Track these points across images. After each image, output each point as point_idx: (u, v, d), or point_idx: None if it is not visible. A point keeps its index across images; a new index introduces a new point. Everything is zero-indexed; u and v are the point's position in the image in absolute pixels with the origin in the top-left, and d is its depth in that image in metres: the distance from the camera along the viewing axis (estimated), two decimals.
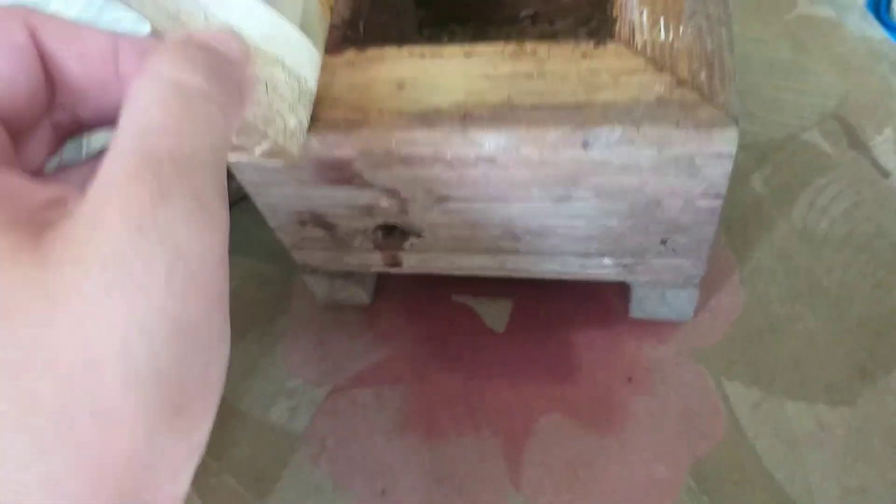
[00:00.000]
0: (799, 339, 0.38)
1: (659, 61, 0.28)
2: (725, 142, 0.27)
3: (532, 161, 0.29)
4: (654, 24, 0.29)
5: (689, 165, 0.28)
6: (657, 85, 0.27)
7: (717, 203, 0.30)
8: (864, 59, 0.49)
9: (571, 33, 0.43)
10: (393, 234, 0.36)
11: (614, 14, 0.30)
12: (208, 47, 0.23)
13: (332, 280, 0.41)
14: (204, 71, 0.22)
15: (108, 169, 0.19)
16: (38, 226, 0.18)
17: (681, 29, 0.29)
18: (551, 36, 0.43)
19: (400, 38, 0.33)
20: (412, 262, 0.37)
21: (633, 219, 0.31)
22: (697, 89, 0.27)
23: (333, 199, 0.33)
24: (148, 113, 0.20)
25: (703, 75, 0.27)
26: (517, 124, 0.28)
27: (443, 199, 0.32)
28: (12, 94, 0.22)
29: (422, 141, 0.29)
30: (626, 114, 0.27)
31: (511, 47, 0.30)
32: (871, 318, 0.38)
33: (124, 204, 0.18)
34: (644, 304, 0.38)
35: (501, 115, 0.28)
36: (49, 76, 0.23)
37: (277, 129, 0.27)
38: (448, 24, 0.45)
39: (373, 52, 0.31)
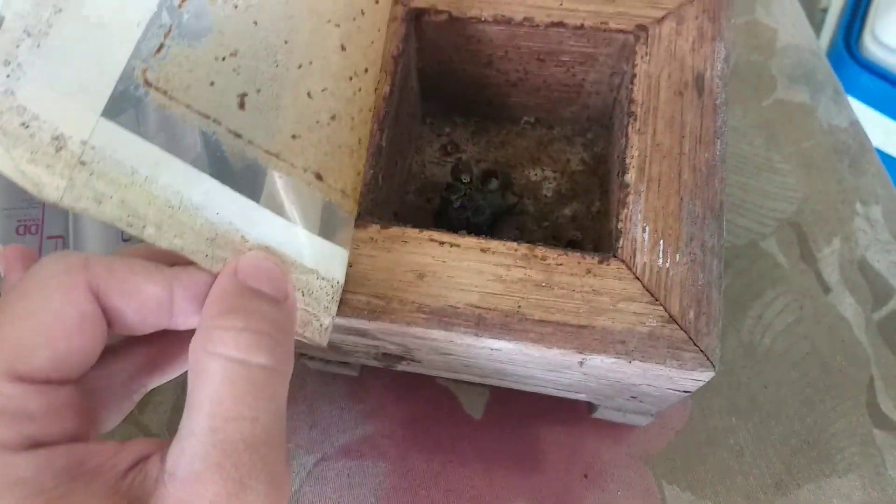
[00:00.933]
0: (730, 451, 0.44)
1: (655, 291, 0.31)
2: (703, 377, 0.31)
3: (533, 357, 0.33)
4: (655, 245, 0.32)
5: (667, 380, 0.32)
6: (650, 318, 0.31)
7: (687, 394, 0.35)
8: (826, 156, 0.53)
9: (567, 140, 0.45)
10: (392, 355, 0.40)
11: (619, 227, 0.33)
12: (257, 293, 0.26)
13: (326, 362, 0.45)
14: (265, 346, 0.25)
15: (189, 458, 0.22)
16: (127, 499, 0.22)
17: (677, 256, 0.32)
18: (548, 142, 0.45)
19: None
20: (407, 367, 0.41)
21: (611, 388, 0.36)
22: (685, 329, 0.31)
23: (343, 339, 0.37)
24: (219, 396, 0.23)
25: (691, 314, 0.31)
26: (524, 336, 0.31)
27: (446, 354, 0.36)
28: (84, 360, 0.25)
29: (437, 335, 0.32)
30: (621, 344, 0.31)
31: (523, 250, 0.33)
32: (791, 434, 0.45)
33: (209, 498, 0.21)
34: (605, 412, 0.44)
35: (511, 325, 0.31)
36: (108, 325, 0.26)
37: (313, 329, 0.30)
38: (451, 115, 0.46)
39: (394, 231, 0.33)
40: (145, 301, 0.25)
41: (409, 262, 0.33)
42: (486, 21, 0.38)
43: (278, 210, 0.29)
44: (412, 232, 0.33)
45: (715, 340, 0.31)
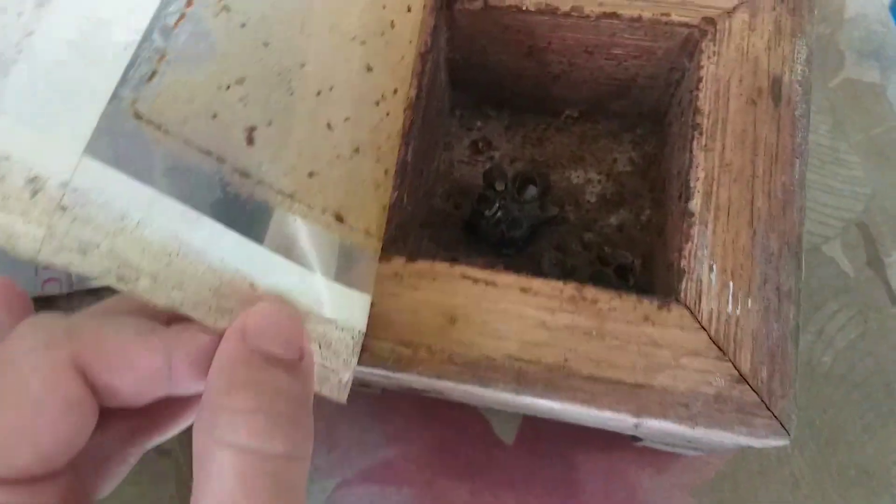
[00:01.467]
0: (784, 483, 0.41)
1: (723, 344, 0.27)
2: (775, 443, 0.27)
3: (580, 413, 0.29)
4: (723, 287, 0.28)
5: (732, 440, 0.29)
6: (717, 377, 0.27)
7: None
8: None
9: (614, 137, 0.40)
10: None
11: (682, 265, 0.29)
12: (269, 359, 0.22)
13: None
14: (282, 429, 0.21)
15: None
16: None
17: (749, 302, 0.28)
18: (593, 138, 0.40)
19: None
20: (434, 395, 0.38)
21: (668, 437, 0.32)
22: (757, 390, 0.27)
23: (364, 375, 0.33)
24: (231, 493, 0.20)
25: (764, 372, 0.27)
26: (572, 395, 0.28)
27: (481, 397, 0.32)
28: (72, 448, 0.21)
29: (471, 389, 0.28)
30: (684, 407, 0.27)
31: (570, 290, 0.28)
32: (850, 464, 0.41)
33: None
34: (651, 443, 0.40)
35: (556, 382, 0.28)
36: (99, 402, 0.22)
37: (331, 386, 0.27)
38: (482, 108, 0.41)
39: (422, 265, 0.29)
40: (140, 374, 0.22)
41: (438, 302, 0.29)
42: (527, 11, 0.33)
43: (292, 256, 0.25)
44: (442, 267, 0.29)
45: (790, 404, 0.27)
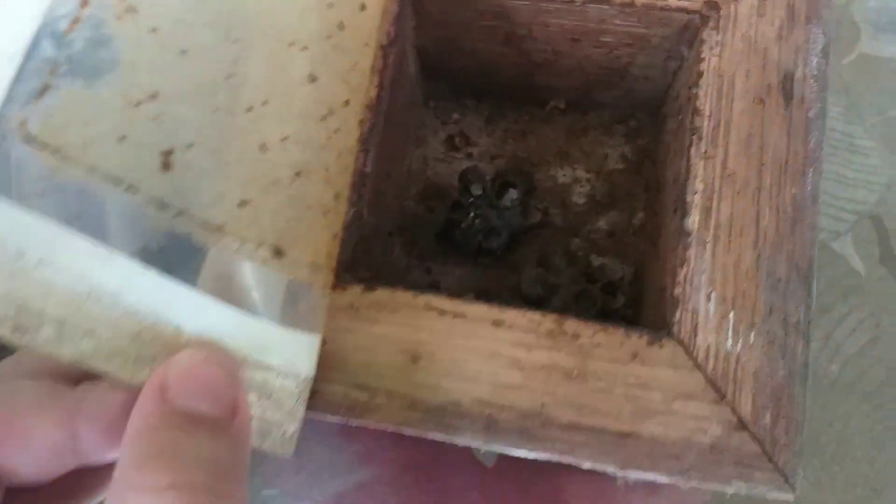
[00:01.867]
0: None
1: (721, 385, 0.24)
2: (778, 497, 0.24)
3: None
4: (723, 318, 0.25)
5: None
6: (714, 423, 0.24)
7: None
8: None
9: (605, 129, 0.36)
10: None
11: (676, 293, 0.25)
12: (192, 419, 0.19)
13: None
14: (203, 469, 0.18)
15: None
16: None
17: (752, 336, 0.24)
18: (581, 131, 0.36)
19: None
20: None
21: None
22: (758, 439, 0.24)
23: None
24: None
25: (767, 418, 0.24)
26: (548, 446, 0.24)
27: None
28: None
29: (435, 437, 0.25)
30: (675, 459, 0.24)
31: (548, 323, 0.25)
32: (857, 482, 0.38)
33: None
34: None
35: (531, 431, 0.24)
36: None
37: (274, 439, 0.24)
38: (460, 98, 0.37)
39: (381, 295, 0.26)
40: (39, 451, 0.19)
41: (399, 338, 0.25)
42: None
43: (225, 296, 0.21)
44: (404, 296, 0.26)
45: (796, 455, 0.24)
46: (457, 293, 0.35)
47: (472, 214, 0.33)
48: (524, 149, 0.37)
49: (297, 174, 0.21)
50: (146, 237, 0.20)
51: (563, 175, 0.36)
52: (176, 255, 0.21)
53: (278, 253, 0.22)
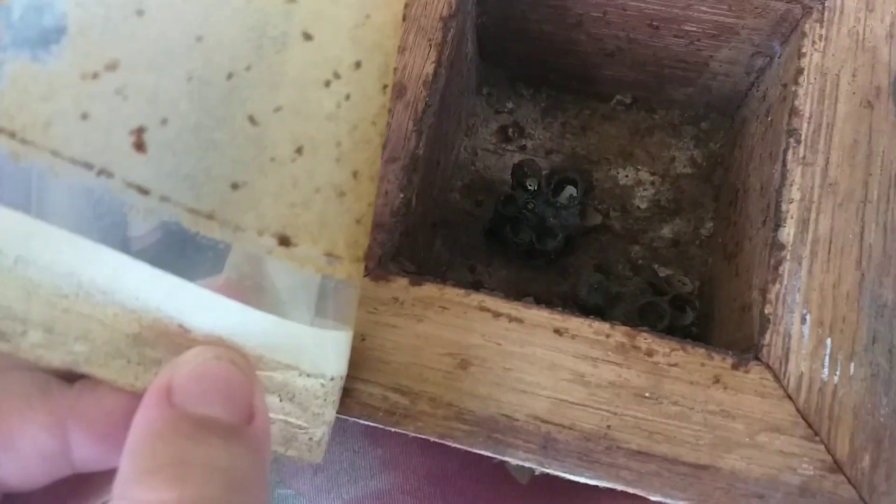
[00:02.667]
0: None
1: (814, 420, 0.21)
2: None
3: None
4: (819, 345, 0.22)
5: None
6: (805, 462, 0.21)
7: None
8: None
9: (674, 129, 0.34)
10: None
11: (766, 312, 0.22)
12: (203, 424, 0.17)
13: None
14: (216, 481, 0.16)
15: None
16: None
17: (851, 366, 0.22)
18: (647, 130, 0.34)
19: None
20: None
21: None
22: (855, 484, 0.21)
23: None
24: None
25: (866, 460, 0.21)
26: (613, 474, 0.22)
27: None
28: None
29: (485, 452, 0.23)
30: (757, 499, 0.21)
31: (618, 335, 0.22)
32: None
33: None
34: None
35: (594, 455, 0.22)
36: None
37: (300, 445, 0.21)
38: (516, 85, 0.35)
39: (429, 290, 0.23)
40: (24, 456, 0.16)
41: (448, 339, 0.23)
42: None
43: (239, 294, 0.19)
44: (455, 293, 0.23)
45: None
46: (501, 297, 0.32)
47: (525, 211, 0.30)
48: (583, 145, 0.34)
49: (299, 150, 0.18)
50: (130, 228, 0.18)
51: (624, 176, 0.33)
52: (168, 248, 0.18)
53: (285, 241, 0.19)
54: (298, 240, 0.18)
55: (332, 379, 0.21)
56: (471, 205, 0.34)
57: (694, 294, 0.30)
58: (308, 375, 0.20)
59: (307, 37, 0.17)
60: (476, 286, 0.32)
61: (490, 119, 0.35)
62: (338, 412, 0.22)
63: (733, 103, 0.32)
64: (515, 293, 0.32)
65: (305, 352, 0.20)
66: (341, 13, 0.17)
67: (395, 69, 0.26)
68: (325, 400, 0.21)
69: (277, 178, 0.18)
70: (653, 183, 0.33)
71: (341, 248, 0.19)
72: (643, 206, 0.33)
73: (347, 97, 0.18)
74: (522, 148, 0.34)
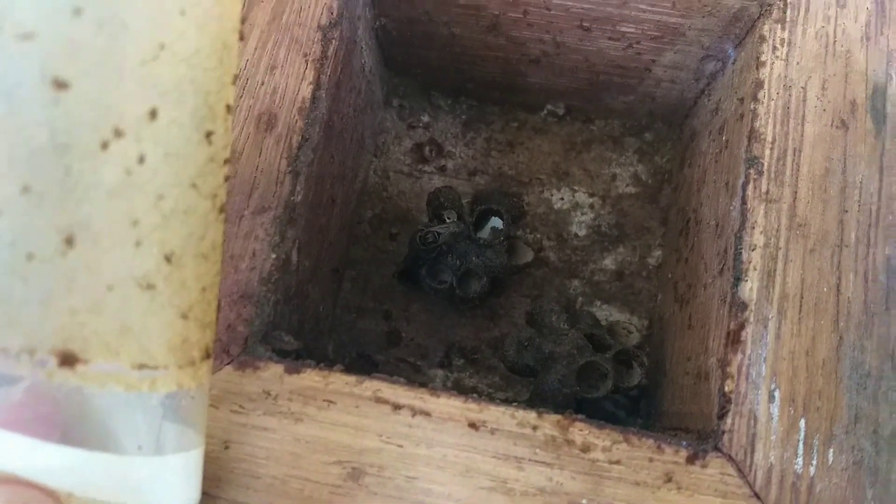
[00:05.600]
0: None
1: None
2: None
3: None
4: (791, 427, 0.18)
5: None
6: None
7: None
8: None
9: (614, 143, 0.30)
10: None
11: (727, 389, 0.18)
12: None
13: None
14: None
15: None
16: None
17: (830, 453, 0.18)
18: (584, 144, 0.30)
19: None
20: None
21: None
22: None
23: None
24: None
25: None
26: None
27: None
28: None
29: None
30: None
31: (548, 427, 0.18)
32: None
33: None
34: None
35: None
36: None
37: None
38: (430, 95, 0.30)
39: (310, 378, 0.19)
40: None
41: (335, 443, 0.18)
42: None
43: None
44: (342, 381, 0.19)
45: None
46: (422, 347, 0.28)
47: (443, 248, 0.25)
48: (511, 164, 0.30)
49: (69, 241, 0.13)
50: None
51: (560, 199, 0.29)
52: None
53: (68, 359, 0.14)
54: (89, 354, 0.14)
55: None
56: (383, 239, 0.29)
57: (641, 345, 0.26)
58: None
59: (60, 86, 0.12)
60: (393, 336, 0.28)
61: (403, 136, 0.30)
62: None
63: (680, 112, 0.28)
64: (438, 341, 0.28)
65: (133, 484, 0.16)
66: (113, 47, 0.12)
67: (265, 93, 0.21)
68: None
69: (42, 280, 0.13)
70: (592, 206, 0.29)
71: (160, 354, 0.15)
72: (581, 233, 0.29)
73: (141, 159, 0.13)
74: (442, 169, 0.30)
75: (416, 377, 0.27)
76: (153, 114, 0.13)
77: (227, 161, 0.15)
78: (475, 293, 0.26)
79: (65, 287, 0.13)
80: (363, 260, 0.29)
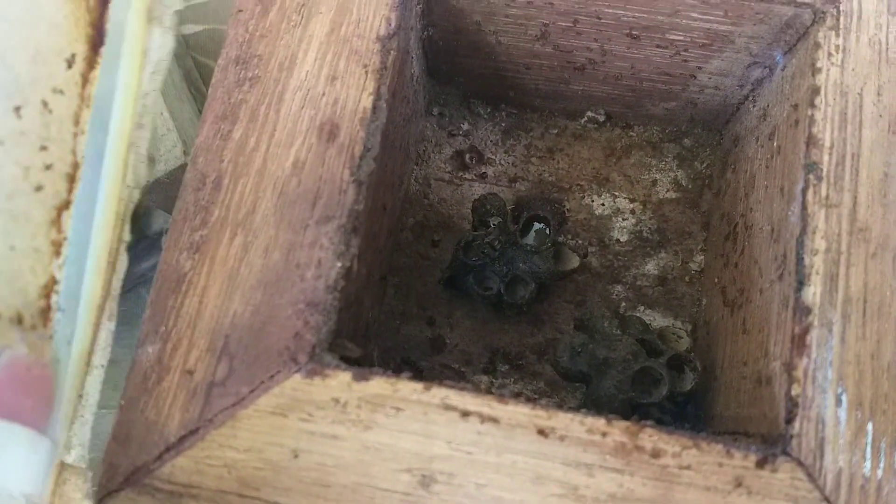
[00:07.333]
0: None
1: None
2: None
3: None
4: (859, 432, 0.18)
5: None
6: None
7: None
8: None
9: (654, 148, 0.30)
10: None
11: (794, 393, 0.18)
12: None
13: None
14: None
15: None
16: None
17: None
18: (624, 150, 0.30)
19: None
20: None
21: None
22: None
23: None
24: None
25: None
26: None
27: None
28: None
29: None
30: None
31: (617, 433, 0.18)
32: None
33: None
34: None
35: None
36: None
37: None
38: (471, 105, 0.30)
39: (379, 385, 0.19)
40: None
41: (405, 451, 0.18)
42: None
43: None
44: (410, 389, 0.19)
45: None
46: (467, 353, 0.28)
47: (489, 255, 0.26)
48: (552, 170, 0.30)
49: None
50: None
51: (600, 205, 0.29)
52: None
53: None
54: None
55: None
56: (426, 246, 0.29)
57: (691, 349, 0.26)
58: None
59: None
60: (436, 342, 0.28)
61: (443, 143, 0.30)
62: None
63: (721, 118, 0.28)
64: (482, 347, 0.28)
65: None
66: None
67: (325, 104, 0.21)
68: None
69: None
70: (633, 211, 0.29)
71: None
72: (623, 238, 0.29)
73: None
74: (482, 176, 0.30)
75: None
76: None
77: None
78: (523, 299, 0.26)
79: None
80: (406, 267, 0.29)
